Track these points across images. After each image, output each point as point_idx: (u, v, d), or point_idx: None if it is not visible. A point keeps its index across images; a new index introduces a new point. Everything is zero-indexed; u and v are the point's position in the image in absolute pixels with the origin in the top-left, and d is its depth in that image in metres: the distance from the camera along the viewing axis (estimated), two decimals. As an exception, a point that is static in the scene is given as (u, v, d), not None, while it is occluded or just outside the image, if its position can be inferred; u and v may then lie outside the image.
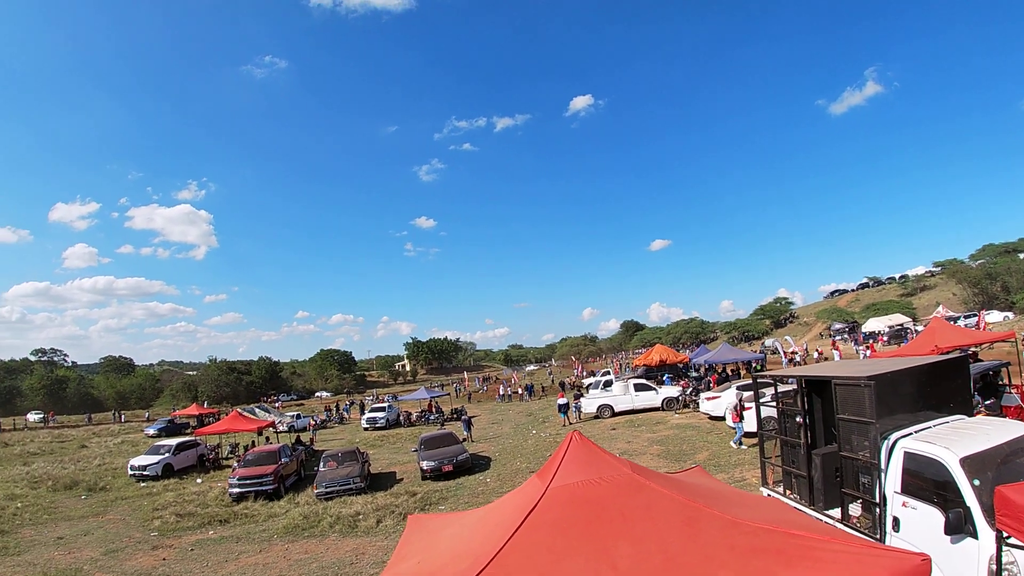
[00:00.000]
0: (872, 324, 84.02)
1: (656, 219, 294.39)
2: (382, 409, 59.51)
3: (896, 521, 9.94)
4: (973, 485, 8.64)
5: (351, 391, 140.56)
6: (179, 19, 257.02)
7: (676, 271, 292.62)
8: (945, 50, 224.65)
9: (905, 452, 9.94)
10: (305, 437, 47.35)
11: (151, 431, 61.08)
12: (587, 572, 4.67)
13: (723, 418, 31.48)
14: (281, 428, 49.46)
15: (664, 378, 48.58)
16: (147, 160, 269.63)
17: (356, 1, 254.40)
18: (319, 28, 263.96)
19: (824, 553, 4.50)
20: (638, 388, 42.26)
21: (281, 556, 19.44)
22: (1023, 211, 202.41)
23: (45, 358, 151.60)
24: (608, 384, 46.45)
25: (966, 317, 69.12)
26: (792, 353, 63.38)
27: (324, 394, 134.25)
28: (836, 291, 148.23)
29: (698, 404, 37.15)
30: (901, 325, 78.56)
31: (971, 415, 11.61)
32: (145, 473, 34.75)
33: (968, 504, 8.54)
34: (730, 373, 50.92)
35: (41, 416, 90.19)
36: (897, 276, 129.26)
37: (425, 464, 29.06)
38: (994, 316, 71.17)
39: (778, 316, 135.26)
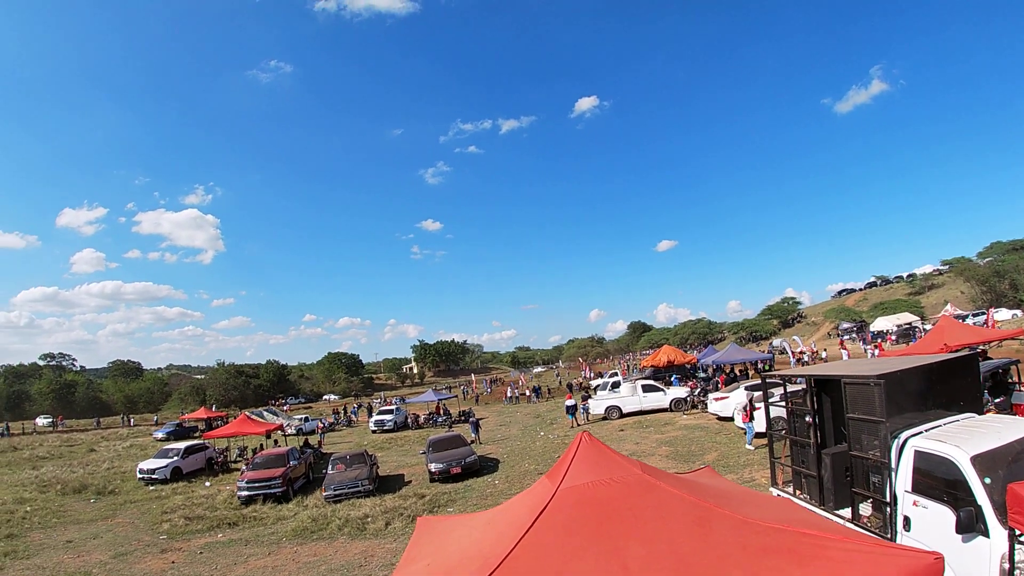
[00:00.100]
0: (880, 323, 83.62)
1: (662, 220, 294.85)
2: (390, 412, 59.40)
3: (907, 520, 9.89)
4: (984, 483, 8.60)
5: (359, 394, 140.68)
6: (185, 25, 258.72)
7: (683, 272, 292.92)
8: (950, 47, 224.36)
9: (916, 451, 9.90)
10: (313, 440, 47.30)
11: (160, 435, 61.18)
12: (598, 573, 4.66)
13: (732, 419, 31.42)
14: (289, 431, 49.44)
15: (672, 379, 48.54)
16: (154, 165, 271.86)
17: (360, 5, 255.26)
18: (324, 32, 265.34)
19: (837, 552, 4.48)
20: (646, 389, 42.18)
21: (290, 559, 19.44)
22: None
23: (54, 363, 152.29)
24: (616, 385, 46.48)
25: (975, 315, 68.81)
26: (800, 353, 63.20)
27: (332, 397, 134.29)
28: (844, 290, 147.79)
29: (706, 405, 37.07)
30: (909, 324, 78.18)
31: (981, 413, 11.55)
32: (154, 476, 34.81)
33: (979, 502, 8.50)
34: (738, 373, 50.83)
35: (50, 420, 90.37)
36: (905, 275, 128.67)
37: (433, 466, 29.04)
38: (1003, 314, 70.70)
39: (786, 316, 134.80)
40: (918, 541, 9.33)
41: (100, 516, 27.65)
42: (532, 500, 5.89)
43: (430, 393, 71.30)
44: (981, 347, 30.29)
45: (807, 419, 13.14)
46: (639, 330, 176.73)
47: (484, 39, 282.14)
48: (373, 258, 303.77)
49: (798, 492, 13.48)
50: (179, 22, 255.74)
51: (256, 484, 28.07)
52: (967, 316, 67.75)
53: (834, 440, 13.08)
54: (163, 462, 36.11)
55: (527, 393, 78.11)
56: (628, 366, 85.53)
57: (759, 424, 24.49)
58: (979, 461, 8.82)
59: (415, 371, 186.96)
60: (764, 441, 19.64)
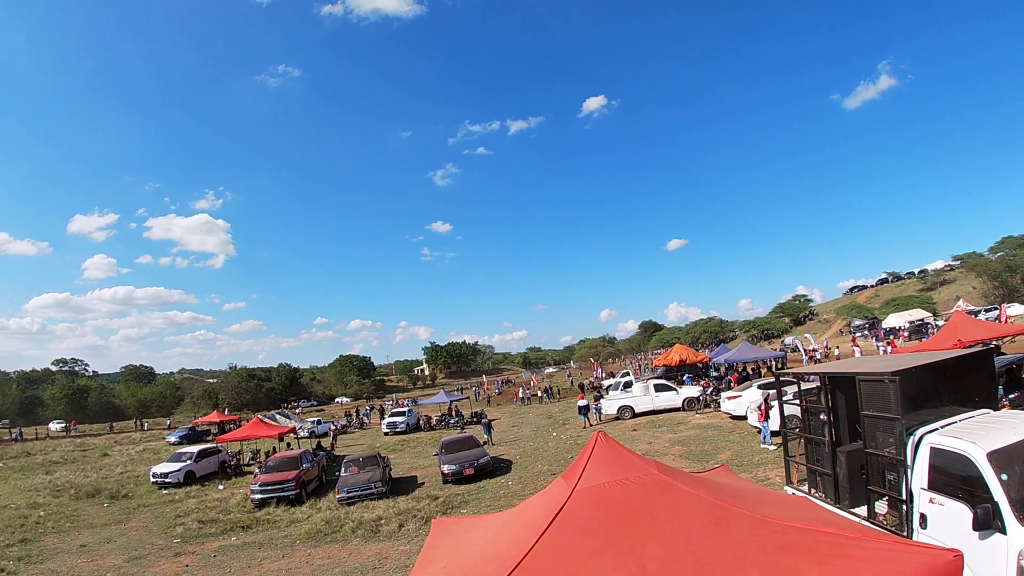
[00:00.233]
0: (892, 320, 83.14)
1: (672, 218, 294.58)
2: (402, 414, 59.51)
3: (923, 518, 9.83)
4: (1001, 480, 8.54)
5: (371, 396, 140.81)
6: (193, 31, 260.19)
7: (693, 270, 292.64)
8: (958, 41, 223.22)
9: (931, 448, 9.83)
10: (326, 442, 47.43)
11: (172, 438, 61.41)
12: (616, 574, 4.64)
13: (745, 417, 31.29)
14: (302, 434, 49.51)
15: (684, 378, 48.49)
16: (164, 171, 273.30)
17: (367, 8, 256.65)
18: (331, 36, 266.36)
19: (855, 550, 4.46)
20: (658, 389, 42.12)
21: (304, 561, 19.47)
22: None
23: (66, 368, 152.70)
24: (628, 385, 46.37)
25: (987, 311, 68.35)
26: (812, 351, 63.01)
27: (344, 400, 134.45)
28: (855, 287, 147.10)
29: (719, 404, 36.98)
30: (921, 320, 77.77)
31: (996, 409, 11.49)
32: (167, 480, 34.90)
33: (996, 499, 8.44)
34: (750, 372, 50.67)
35: (63, 425, 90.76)
36: (916, 271, 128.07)
37: (446, 468, 29.05)
38: (1015, 309, 70.16)
39: (797, 314, 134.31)
40: (935, 539, 9.27)
41: (114, 520, 27.73)
42: (548, 501, 5.89)
43: (442, 395, 71.29)
44: (994, 342, 30.16)
45: (822, 417, 13.09)
46: (650, 329, 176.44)
47: (491, 40, 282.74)
48: (383, 260, 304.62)
49: (813, 490, 13.42)
50: (188, 28, 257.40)
51: (269, 487, 28.13)
52: (979, 312, 67.22)
53: (849, 438, 13.02)
54: (176, 466, 36.22)
55: (539, 394, 78.14)
56: (640, 366, 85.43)
57: (775, 423, 24.42)
58: (995, 457, 8.76)
59: (426, 373, 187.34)
60: (779, 439, 19.56)
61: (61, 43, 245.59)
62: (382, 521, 22.46)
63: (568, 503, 5.38)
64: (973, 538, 8.54)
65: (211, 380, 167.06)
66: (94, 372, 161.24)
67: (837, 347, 67.21)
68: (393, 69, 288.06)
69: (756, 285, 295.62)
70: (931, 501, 9.70)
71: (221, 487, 34.10)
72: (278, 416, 68.63)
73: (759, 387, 32.09)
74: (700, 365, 53.49)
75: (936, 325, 68.54)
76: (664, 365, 54.83)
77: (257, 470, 32.02)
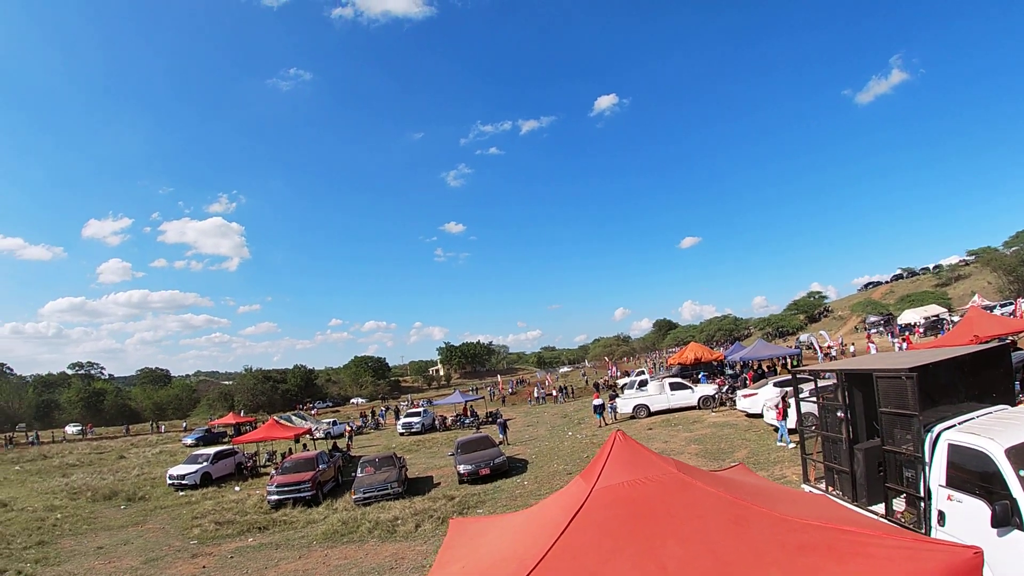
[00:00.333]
0: (907, 316, 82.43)
1: (685, 216, 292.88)
2: (417, 414, 59.60)
3: (941, 515, 9.80)
4: (1019, 476, 8.50)
5: (386, 397, 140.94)
6: (205, 35, 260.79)
7: (707, 268, 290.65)
8: (968, 34, 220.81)
9: (949, 444, 9.80)
10: (342, 443, 47.59)
11: (189, 440, 61.85)
12: (635, 573, 4.65)
13: (761, 415, 31.20)
14: (318, 435, 49.67)
15: (699, 376, 48.36)
16: (178, 175, 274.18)
17: (377, 11, 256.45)
18: (342, 39, 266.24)
19: (875, 548, 4.45)
20: (674, 387, 42.01)
21: (320, 562, 19.56)
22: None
23: (82, 371, 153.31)
24: (643, 384, 46.33)
25: (1002, 305, 67.84)
26: (828, 348, 62.73)
27: (359, 400, 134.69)
28: (870, 283, 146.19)
29: (735, 402, 36.91)
30: (937, 316, 76.97)
31: (1014, 405, 11.43)
32: (184, 482, 35.12)
33: (1015, 496, 8.41)
34: (766, 370, 50.54)
35: (79, 428, 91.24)
36: (931, 266, 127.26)
37: (462, 468, 29.09)
38: (1031, 303, 69.83)
39: (812, 311, 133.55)
40: (953, 536, 9.24)
41: (130, 522, 27.94)
42: (567, 500, 5.90)
43: (457, 395, 71.38)
44: (1011, 338, 29.98)
45: (839, 414, 13.06)
46: (665, 328, 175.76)
47: (501, 40, 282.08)
48: (397, 261, 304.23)
49: (830, 488, 13.40)
50: (200, 33, 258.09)
51: (286, 488, 28.27)
52: (995, 307, 66.75)
53: (866, 435, 12.97)
54: (193, 468, 36.46)
55: (553, 393, 78.09)
56: (655, 364, 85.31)
57: (793, 420, 24.33)
58: (1014, 453, 8.72)
59: (441, 373, 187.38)
60: (797, 437, 19.52)
61: (75, 49, 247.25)
62: (398, 521, 22.54)
63: (587, 502, 5.39)
64: (992, 535, 8.50)
65: (227, 382, 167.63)
66: (110, 375, 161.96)
67: (852, 344, 66.76)
68: (404, 70, 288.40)
69: (770, 282, 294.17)
70: (949, 498, 9.67)
71: (238, 488, 34.26)
72: (294, 417, 68.92)
73: (775, 385, 32.04)
74: (715, 363, 53.43)
75: (951, 321, 67.99)
76: (679, 363, 54.79)
77: (273, 471, 32.21)
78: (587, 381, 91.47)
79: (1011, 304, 62.34)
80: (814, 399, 14.26)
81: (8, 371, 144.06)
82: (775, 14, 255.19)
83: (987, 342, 23.40)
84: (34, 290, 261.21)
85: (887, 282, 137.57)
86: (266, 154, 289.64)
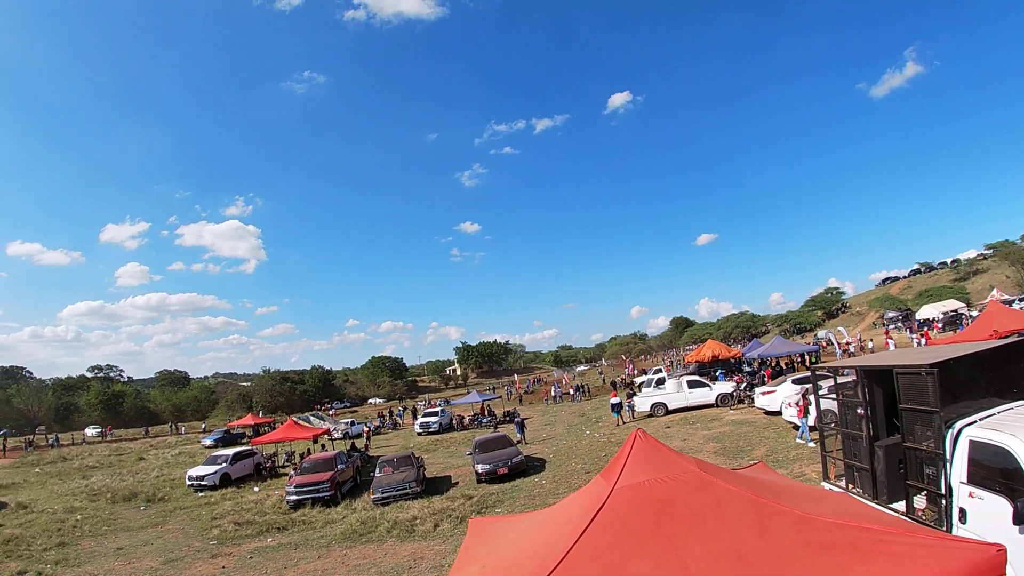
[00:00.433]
0: (926, 311, 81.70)
1: (701, 213, 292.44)
2: (435, 414, 59.74)
3: (963, 512, 9.73)
4: (1042, 472, 8.45)
5: (403, 397, 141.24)
6: (219, 40, 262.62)
7: (724, 265, 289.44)
8: (983, 24, 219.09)
9: (970, 440, 9.73)
10: (360, 443, 47.70)
11: (208, 442, 62.12)
12: (657, 573, 4.65)
13: (779, 413, 31.05)
14: (336, 435, 49.80)
15: (717, 374, 48.20)
16: (194, 179, 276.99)
17: (389, 13, 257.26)
18: (354, 41, 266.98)
19: (898, 546, 4.44)
20: (691, 385, 41.87)
21: (339, 562, 19.62)
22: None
23: (101, 374, 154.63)
24: (661, 382, 46.16)
25: (1021, 300, 67.43)
26: (846, 344, 62.41)
27: (377, 400, 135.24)
28: (888, 278, 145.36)
29: (753, 399, 36.77)
30: (955, 311, 76.41)
31: (1036, 400, 11.35)
32: (203, 483, 35.29)
33: (1038, 492, 8.35)
34: (784, 367, 50.37)
35: (99, 430, 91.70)
36: (949, 260, 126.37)
37: (480, 467, 29.13)
38: (1051, 298, 69.20)
39: (830, 307, 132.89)
40: (974, 534, 9.18)
41: (150, 523, 28.13)
42: (587, 500, 5.90)
43: (474, 394, 71.51)
44: (1032, 332, 29.73)
45: (859, 411, 13.00)
46: (682, 325, 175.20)
47: (513, 39, 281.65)
48: (413, 262, 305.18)
49: (851, 486, 13.33)
50: (215, 38, 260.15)
51: (304, 488, 28.37)
52: (1014, 301, 66.29)
53: (886, 432, 12.91)
54: (212, 469, 36.63)
55: (570, 392, 77.98)
56: (672, 362, 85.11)
57: (813, 418, 24.21)
58: (1036, 450, 8.67)
59: (458, 373, 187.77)
60: (817, 434, 19.42)
61: (90, 56, 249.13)
62: (417, 521, 22.57)
63: (608, 501, 5.38)
64: (1014, 533, 8.44)
65: (245, 383, 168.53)
66: (129, 378, 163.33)
67: (871, 340, 66.35)
68: (417, 71, 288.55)
69: (787, 278, 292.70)
70: (970, 495, 9.60)
71: (256, 489, 34.40)
72: (312, 418, 69.10)
73: (793, 382, 31.90)
74: (733, 360, 53.19)
75: (970, 316, 67.55)
76: (697, 361, 54.66)
77: (292, 472, 32.30)
78: (604, 379, 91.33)
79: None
80: (833, 396, 14.20)
81: (28, 374, 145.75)
82: (787, 9, 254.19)
83: (1007, 337, 23.23)
84: (53, 294, 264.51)
85: (904, 277, 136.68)
86: (281, 157, 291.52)
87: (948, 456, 10.05)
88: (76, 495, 35.40)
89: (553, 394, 78.54)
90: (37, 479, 44.61)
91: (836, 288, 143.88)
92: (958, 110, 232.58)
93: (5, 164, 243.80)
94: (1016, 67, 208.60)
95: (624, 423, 41.42)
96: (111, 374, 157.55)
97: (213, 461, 38.11)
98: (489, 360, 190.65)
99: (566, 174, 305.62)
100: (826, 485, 14.07)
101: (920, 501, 11.32)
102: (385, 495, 26.87)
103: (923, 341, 50.86)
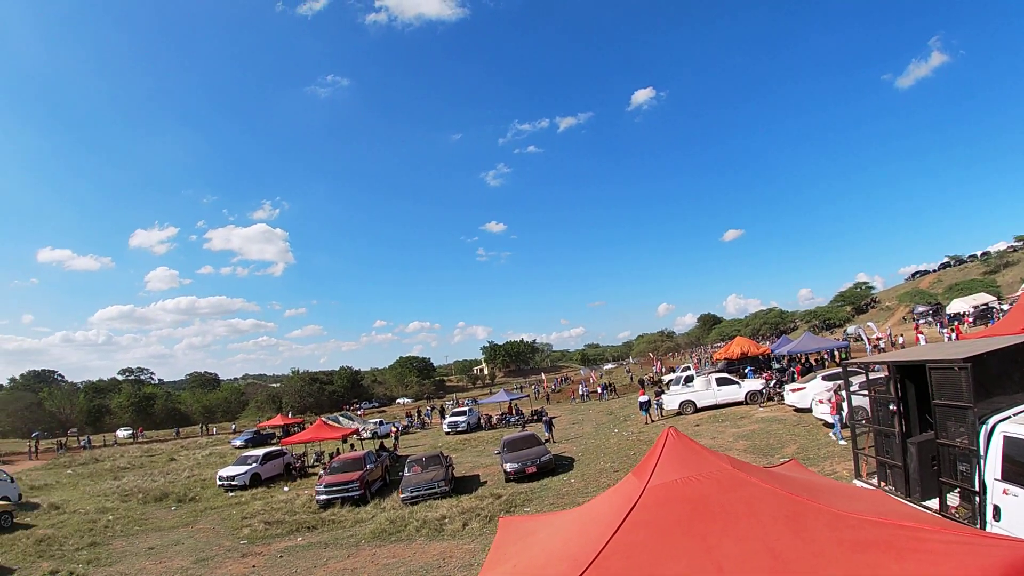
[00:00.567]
0: (956, 305, 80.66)
1: (727, 209, 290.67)
2: (463, 413, 59.81)
3: (997, 510, 9.62)
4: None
5: (431, 396, 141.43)
6: (244, 47, 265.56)
7: (751, 261, 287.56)
8: (1007, 10, 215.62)
9: (1005, 436, 9.62)
10: (388, 443, 47.84)
11: (238, 442, 62.51)
12: (691, 573, 4.63)
13: (809, 410, 30.78)
14: (364, 435, 49.97)
15: (746, 371, 47.91)
16: (221, 184, 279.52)
17: (411, 15, 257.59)
18: (377, 45, 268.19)
19: (934, 544, 4.40)
20: (720, 382, 41.58)
21: (369, 561, 19.74)
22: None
23: (132, 377, 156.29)
24: (689, 380, 46.00)
25: (1052, 292, 66.48)
26: (877, 339, 61.82)
27: (405, 400, 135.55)
28: (917, 272, 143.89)
29: (783, 396, 36.50)
30: (986, 305, 75.33)
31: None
32: (233, 483, 35.62)
33: (1075, 489, 8.25)
34: (814, 363, 49.96)
35: (130, 432, 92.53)
36: (979, 253, 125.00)
37: (508, 466, 29.16)
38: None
39: (859, 302, 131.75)
40: (1008, 531, 9.08)
41: (181, 523, 28.46)
42: (619, 498, 5.88)
43: (502, 393, 71.59)
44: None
45: (891, 407, 12.88)
46: (709, 322, 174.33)
47: (533, 37, 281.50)
48: (439, 262, 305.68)
49: (883, 483, 13.23)
50: (239, 45, 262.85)
51: (334, 488, 28.56)
52: (1045, 293, 65.36)
53: (919, 428, 12.79)
54: (242, 469, 36.96)
55: (598, 390, 77.77)
56: (700, 359, 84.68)
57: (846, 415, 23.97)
58: (1073, 446, 8.56)
59: (485, 372, 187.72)
60: (849, 432, 19.24)
61: (118, 65, 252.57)
62: (446, 520, 22.66)
63: (640, 500, 5.37)
64: (1050, 530, 8.35)
65: (274, 384, 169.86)
66: (160, 380, 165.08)
67: (901, 335, 65.67)
68: (439, 72, 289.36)
69: (815, 274, 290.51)
70: (1005, 492, 9.50)
71: (286, 489, 34.67)
72: (341, 418, 69.36)
73: (824, 378, 31.59)
74: (762, 357, 52.84)
75: (1001, 309, 66.71)
76: (725, 358, 54.35)
77: (322, 471, 32.51)
78: (632, 378, 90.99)
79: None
80: (865, 392, 14.08)
81: (59, 378, 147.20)
82: (808, 3, 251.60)
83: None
84: (84, 299, 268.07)
85: (934, 271, 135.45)
86: (307, 160, 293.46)
87: (982, 452, 9.95)
88: (108, 496, 35.82)
89: (581, 393, 78.34)
90: (69, 480, 45.15)
91: (865, 283, 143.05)
92: (985, 99, 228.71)
93: (36, 172, 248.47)
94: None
95: (652, 421, 41.27)
96: (142, 376, 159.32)
97: (243, 461, 38.45)
98: (516, 359, 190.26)
99: (590, 172, 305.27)
100: (858, 483, 13.97)
101: (953, 499, 11.21)
102: (414, 494, 26.98)
103: (954, 336, 50.19)
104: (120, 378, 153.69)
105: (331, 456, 39.29)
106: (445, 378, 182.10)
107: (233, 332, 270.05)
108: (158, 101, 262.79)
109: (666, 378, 64.80)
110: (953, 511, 10.98)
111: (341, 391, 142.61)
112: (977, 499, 10.05)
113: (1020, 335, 15.68)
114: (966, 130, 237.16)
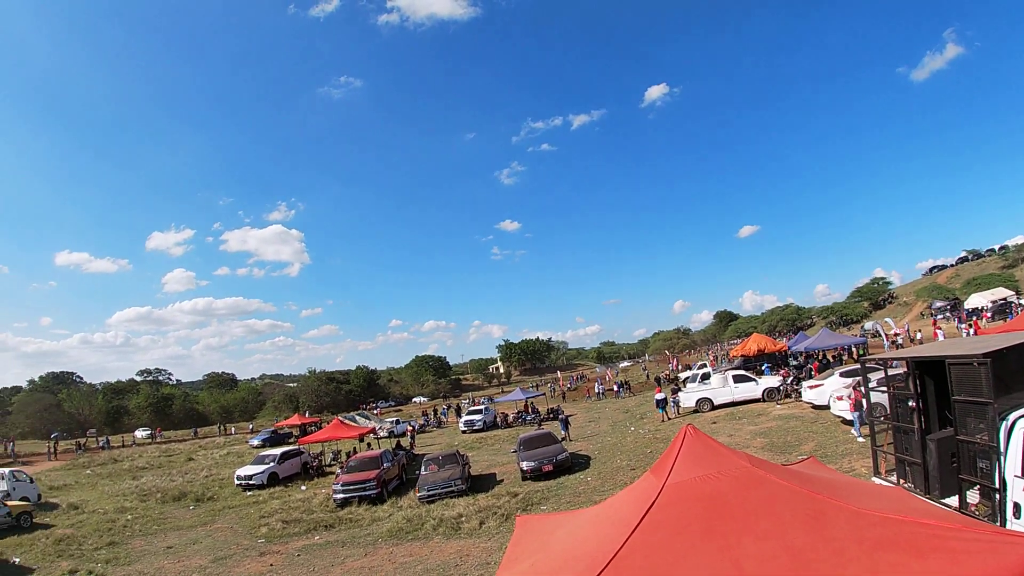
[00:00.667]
0: (974, 300, 79.98)
1: (743, 204, 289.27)
2: (479, 412, 59.83)
3: (1017, 507, 9.54)
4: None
5: (447, 395, 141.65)
6: (258, 50, 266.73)
7: (767, 257, 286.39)
8: (1021, 1, 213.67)
9: (1025, 433, 9.55)
10: (405, 442, 47.90)
11: (255, 442, 62.61)
12: (711, 572, 4.61)
13: (827, 407, 30.63)
14: (381, 434, 50.08)
15: (763, 368, 47.75)
16: (237, 185, 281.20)
17: (423, 15, 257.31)
18: (389, 45, 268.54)
19: (955, 542, 4.36)
20: (737, 379, 41.46)
21: (386, 559, 19.79)
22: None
23: (150, 378, 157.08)
24: (706, 377, 45.89)
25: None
26: (894, 335, 61.45)
27: (421, 399, 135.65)
28: (935, 267, 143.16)
29: (800, 393, 36.35)
30: (1004, 299, 74.60)
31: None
32: (251, 482, 35.81)
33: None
34: (831, 359, 49.74)
35: (148, 432, 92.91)
36: (996, 247, 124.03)
37: (525, 464, 29.13)
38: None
39: (876, 297, 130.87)
40: (1031, 528, 9.01)
41: (199, 522, 28.65)
42: (638, 497, 5.86)
43: (518, 392, 71.52)
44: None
45: (910, 404, 12.80)
46: (726, 319, 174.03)
47: (546, 35, 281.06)
48: (454, 261, 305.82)
49: (902, 481, 13.15)
50: (251, 47, 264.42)
51: (351, 487, 28.68)
52: (1064, 288, 64.79)
53: (938, 425, 12.70)
54: (260, 468, 37.15)
55: (614, 388, 77.61)
56: (717, 356, 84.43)
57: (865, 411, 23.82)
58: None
59: (501, 371, 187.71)
60: (867, 429, 19.13)
61: (134, 68, 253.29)
62: (463, 518, 22.68)
63: (659, 498, 5.35)
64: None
65: (291, 384, 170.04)
66: (178, 381, 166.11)
67: (919, 331, 65.22)
68: (452, 72, 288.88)
69: (832, 269, 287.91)
70: (1026, 489, 9.42)
71: (304, 488, 34.79)
72: (358, 417, 69.71)
73: (841, 375, 31.45)
74: (779, 354, 52.65)
75: (1020, 304, 66.22)
76: (742, 355, 54.19)
77: (339, 470, 32.68)
78: (648, 375, 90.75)
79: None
80: (883, 389, 13.99)
81: (78, 379, 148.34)
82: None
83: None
84: (102, 301, 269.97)
85: (952, 265, 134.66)
86: (322, 161, 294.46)
87: (1002, 449, 9.87)
88: (126, 495, 36.12)
89: (597, 391, 78.16)
90: (88, 480, 45.54)
91: (882, 278, 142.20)
92: (1001, 91, 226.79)
93: (54, 177, 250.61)
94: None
95: (669, 419, 41.20)
96: (160, 377, 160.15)
97: (261, 461, 38.66)
98: (532, 358, 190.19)
99: (604, 169, 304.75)
100: (877, 480, 13.89)
101: (973, 496, 11.13)
102: (431, 493, 27.01)
103: (972, 331, 49.82)
104: (138, 379, 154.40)
105: (348, 455, 39.32)
106: (461, 377, 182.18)
107: (250, 332, 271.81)
108: (173, 105, 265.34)
109: (682, 375, 64.61)
110: (973, 508, 10.91)
111: (357, 390, 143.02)
112: (997, 496, 9.98)
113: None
114: (982, 123, 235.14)
